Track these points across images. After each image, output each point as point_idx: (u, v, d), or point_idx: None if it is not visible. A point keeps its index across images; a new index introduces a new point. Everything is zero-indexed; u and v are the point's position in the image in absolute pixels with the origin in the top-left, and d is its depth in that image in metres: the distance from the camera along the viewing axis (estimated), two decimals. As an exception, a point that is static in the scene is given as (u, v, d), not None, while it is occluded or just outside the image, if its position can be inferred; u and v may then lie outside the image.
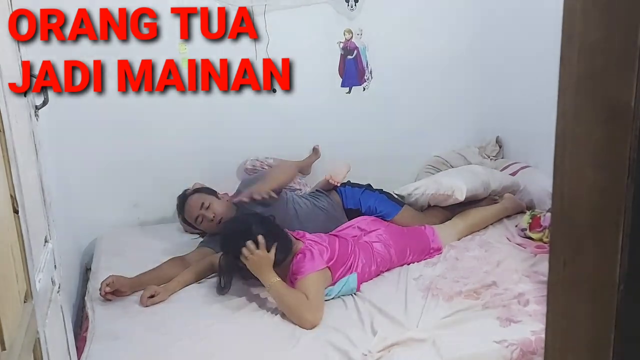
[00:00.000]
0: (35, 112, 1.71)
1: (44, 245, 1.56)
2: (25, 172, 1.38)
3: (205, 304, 2.37)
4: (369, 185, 3.08)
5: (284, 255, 2.34)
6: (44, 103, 1.79)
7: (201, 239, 2.85)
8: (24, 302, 1.23)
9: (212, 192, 2.83)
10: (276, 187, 2.75)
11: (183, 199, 2.82)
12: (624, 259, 0.63)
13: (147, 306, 2.35)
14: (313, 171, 3.43)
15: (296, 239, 2.49)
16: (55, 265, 1.66)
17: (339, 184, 2.97)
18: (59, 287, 1.67)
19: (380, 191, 3.04)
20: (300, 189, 3.24)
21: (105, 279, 2.42)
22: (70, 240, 2.82)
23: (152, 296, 2.38)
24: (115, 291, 2.40)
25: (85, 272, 2.95)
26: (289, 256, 2.37)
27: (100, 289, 2.40)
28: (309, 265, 2.31)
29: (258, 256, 2.24)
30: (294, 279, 2.31)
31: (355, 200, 2.97)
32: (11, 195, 1.22)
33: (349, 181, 3.10)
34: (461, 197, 2.86)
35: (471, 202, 2.97)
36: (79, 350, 2.09)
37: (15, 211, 1.23)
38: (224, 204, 2.75)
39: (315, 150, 3.43)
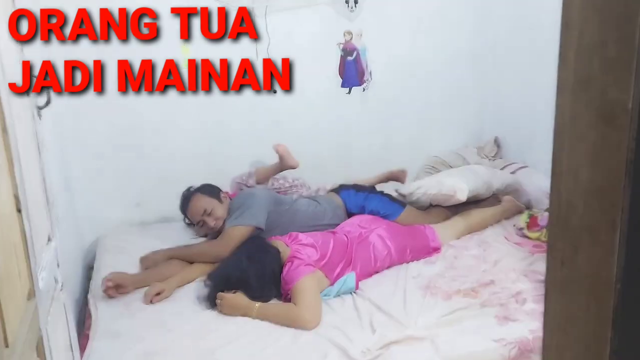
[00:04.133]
0: (38, 112, 1.71)
1: (47, 244, 1.57)
2: (28, 171, 1.39)
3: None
4: (373, 187, 3.08)
5: (277, 269, 2.39)
6: (47, 103, 1.80)
7: (203, 239, 2.86)
8: (27, 300, 1.23)
9: (215, 194, 2.80)
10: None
11: (186, 199, 2.80)
12: (621, 258, 0.64)
13: (152, 303, 2.36)
14: (314, 172, 3.40)
15: (286, 244, 2.50)
16: (58, 264, 1.67)
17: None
18: (61, 285, 1.67)
19: (382, 193, 3.04)
20: (297, 190, 3.23)
21: (106, 275, 2.44)
22: (73, 239, 2.83)
23: (157, 294, 2.39)
24: (117, 287, 2.41)
25: (88, 270, 2.96)
26: (281, 268, 2.40)
27: (102, 284, 2.41)
28: (297, 272, 2.33)
29: (227, 300, 2.28)
30: (287, 288, 2.33)
31: (358, 205, 2.96)
32: (14, 195, 1.22)
33: (354, 184, 3.10)
34: (463, 197, 2.87)
35: (473, 202, 2.98)
36: (82, 347, 2.09)
37: (19, 210, 1.24)
38: (226, 209, 2.75)
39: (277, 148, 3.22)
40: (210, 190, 2.81)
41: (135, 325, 2.22)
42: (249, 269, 2.34)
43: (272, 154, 3.28)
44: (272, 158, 3.26)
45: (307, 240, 2.51)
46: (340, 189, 3.06)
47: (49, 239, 1.60)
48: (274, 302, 2.36)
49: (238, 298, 2.28)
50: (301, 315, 2.18)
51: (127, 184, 3.21)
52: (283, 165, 3.21)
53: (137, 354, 2.04)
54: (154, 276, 2.49)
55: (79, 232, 3.10)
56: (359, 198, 2.98)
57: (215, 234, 2.73)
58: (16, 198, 1.23)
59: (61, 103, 2.76)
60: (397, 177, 3.16)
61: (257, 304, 2.26)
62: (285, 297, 2.35)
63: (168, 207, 3.17)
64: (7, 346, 1.03)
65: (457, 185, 2.88)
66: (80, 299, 2.70)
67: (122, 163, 3.18)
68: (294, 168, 3.26)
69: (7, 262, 1.09)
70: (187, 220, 2.89)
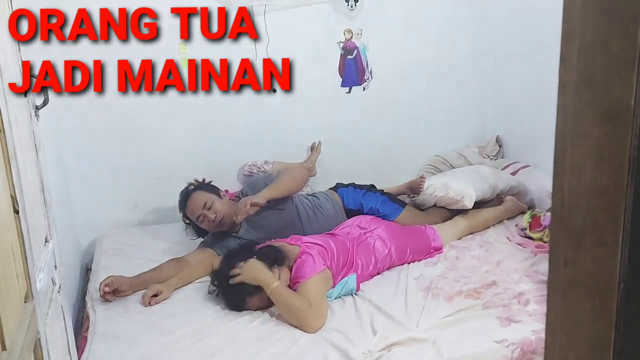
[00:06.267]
0: (35, 112, 1.71)
1: (45, 245, 1.56)
2: (26, 172, 1.38)
3: (205, 304, 2.37)
4: (372, 186, 3.07)
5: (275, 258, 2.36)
6: (44, 103, 1.79)
7: (202, 239, 2.85)
8: (25, 302, 1.22)
9: (214, 190, 2.81)
10: (281, 195, 2.71)
11: (186, 196, 2.79)
12: (625, 258, 0.63)
13: (150, 305, 2.35)
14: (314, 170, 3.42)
15: (291, 244, 2.49)
16: (55, 265, 1.67)
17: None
18: (59, 287, 1.67)
19: (382, 192, 3.04)
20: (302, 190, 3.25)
21: (103, 280, 2.42)
22: (70, 240, 2.82)
23: (155, 295, 2.37)
24: (114, 291, 2.40)
25: (86, 272, 2.95)
26: (283, 262, 2.37)
27: (99, 289, 2.40)
28: (309, 269, 2.31)
29: (247, 264, 2.25)
30: (295, 283, 2.31)
31: (356, 202, 2.96)
32: (11, 196, 1.22)
33: (353, 182, 3.09)
34: (470, 204, 2.88)
35: (476, 203, 2.98)
36: (80, 350, 2.09)
37: (16, 211, 1.23)
38: (225, 204, 2.74)
39: (314, 148, 3.41)
40: (211, 188, 2.82)
41: (133, 327, 2.21)
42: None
43: (272, 155, 3.29)
44: (273, 159, 3.26)
45: (314, 240, 2.51)
46: (337, 187, 3.06)
47: (47, 241, 1.60)
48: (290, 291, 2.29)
49: (259, 264, 2.25)
50: (310, 316, 2.16)
51: (124, 185, 3.21)
52: (304, 167, 3.25)
53: (135, 356, 2.03)
54: (152, 278, 2.48)
55: (77, 233, 3.10)
56: (357, 195, 2.98)
57: (215, 229, 2.72)
58: (13, 199, 1.22)
59: (58, 103, 2.75)
60: (414, 188, 3.08)
61: (277, 282, 2.22)
62: None
63: (166, 209, 3.18)
64: (4, 349, 1.02)
65: (465, 191, 2.89)
66: (77, 301, 2.70)
67: (120, 164, 3.18)
68: (311, 175, 3.32)
69: (4, 264, 1.08)
70: (186, 220, 2.87)
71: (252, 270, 2.24)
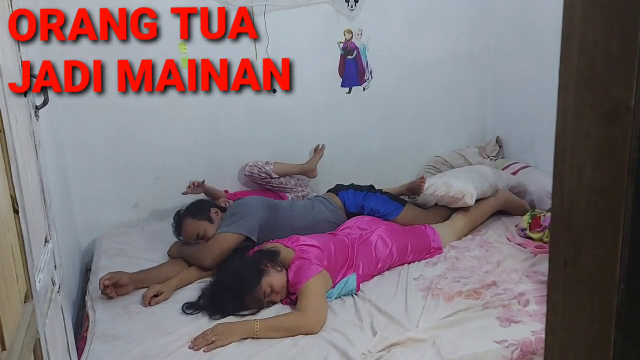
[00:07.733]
0: (35, 112, 1.71)
1: (44, 245, 1.56)
2: (26, 172, 1.38)
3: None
4: (371, 187, 3.07)
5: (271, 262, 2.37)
6: (44, 103, 1.79)
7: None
8: (24, 302, 1.22)
9: (204, 214, 2.70)
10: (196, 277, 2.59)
11: (178, 225, 2.73)
12: (624, 259, 0.63)
13: (150, 305, 2.35)
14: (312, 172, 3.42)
15: (287, 246, 2.48)
16: (55, 265, 1.67)
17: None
18: (59, 287, 1.67)
19: (381, 191, 3.04)
20: (302, 190, 3.24)
21: (103, 276, 2.43)
22: (70, 240, 2.82)
23: (155, 295, 2.37)
24: (115, 286, 2.39)
25: (86, 272, 2.95)
26: (276, 262, 2.37)
27: (99, 285, 2.39)
28: (305, 273, 2.31)
29: (218, 331, 2.11)
30: (293, 289, 2.32)
31: (357, 204, 2.95)
32: (11, 196, 1.22)
33: (352, 183, 3.09)
34: (471, 202, 2.89)
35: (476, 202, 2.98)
36: (80, 350, 2.09)
37: (16, 211, 1.23)
38: (217, 227, 2.66)
39: (317, 150, 3.41)
40: (200, 211, 2.71)
41: (133, 327, 2.21)
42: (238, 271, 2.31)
43: (272, 155, 3.28)
44: (273, 159, 3.26)
45: (311, 241, 2.50)
46: (338, 189, 3.06)
47: (46, 241, 1.60)
48: (273, 315, 2.25)
49: (227, 323, 2.17)
50: (306, 321, 2.15)
51: (124, 185, 3.21)
52: (305, 169, 3.25)
53: (135, 356, 2.03)
54: (152, 277, 2.48)
55: (76, 233, 3.10)
56: (358, 197, 2.97)
57: None
58: (13, 199, 1.22)
59: (58, 103, 2.76)
60: (415, 188, 3.05)
61: (257, 321, 2.15)
62: (291, 297, 2.34)
63: (166, 209, 3.18)
64: (4, 349, 1.02)
65: (466, 189, 2.89)
66: (77, 301, 2.70)
67: (119, 164, 3.18)
68: (311, 177, 3.31)
69: (3, 264, 1.08)
70: None
71: (227, 333, 2.10)
